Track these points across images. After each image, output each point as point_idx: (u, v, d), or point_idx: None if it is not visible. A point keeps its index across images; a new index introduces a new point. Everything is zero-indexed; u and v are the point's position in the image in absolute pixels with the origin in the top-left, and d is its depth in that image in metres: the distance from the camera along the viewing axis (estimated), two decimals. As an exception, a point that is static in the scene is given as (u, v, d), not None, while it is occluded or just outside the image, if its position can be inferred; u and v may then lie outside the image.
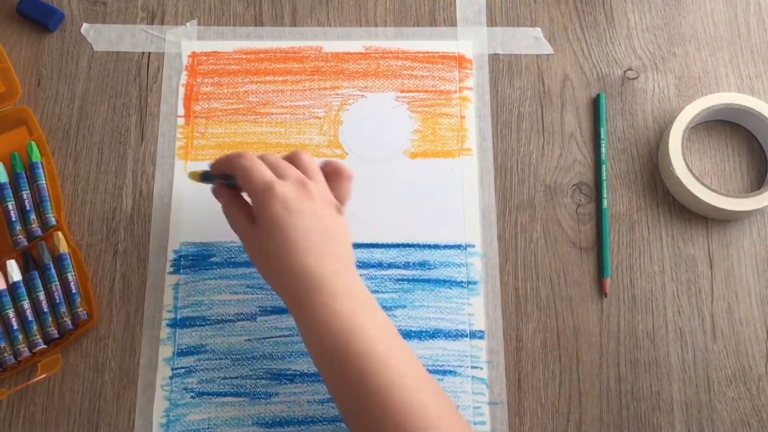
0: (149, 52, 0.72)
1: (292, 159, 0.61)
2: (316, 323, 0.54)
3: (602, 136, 0.70)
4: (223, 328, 0.64)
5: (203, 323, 0.64)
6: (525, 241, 0.67)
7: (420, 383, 0.54)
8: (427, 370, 0.63)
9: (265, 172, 0.58)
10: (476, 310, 0.65)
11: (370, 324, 0.55)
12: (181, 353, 0.64)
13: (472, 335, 0.64)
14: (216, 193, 0.62)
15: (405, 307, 0.65)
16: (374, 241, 0.67)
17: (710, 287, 0.66)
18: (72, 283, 0.64)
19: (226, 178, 0.60)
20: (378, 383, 0.52)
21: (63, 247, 0.65)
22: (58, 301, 0.64)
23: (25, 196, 0.66)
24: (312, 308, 0.55)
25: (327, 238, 0.57)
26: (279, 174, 0.58)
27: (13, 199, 0.66)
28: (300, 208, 0.56)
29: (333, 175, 0.61)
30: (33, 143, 0.67)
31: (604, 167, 0.69)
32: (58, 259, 0.65)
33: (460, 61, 0.73)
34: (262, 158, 0.60)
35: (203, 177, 0.63)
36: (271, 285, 0.58)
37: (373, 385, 0.52)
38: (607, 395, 0.64)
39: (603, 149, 0.69)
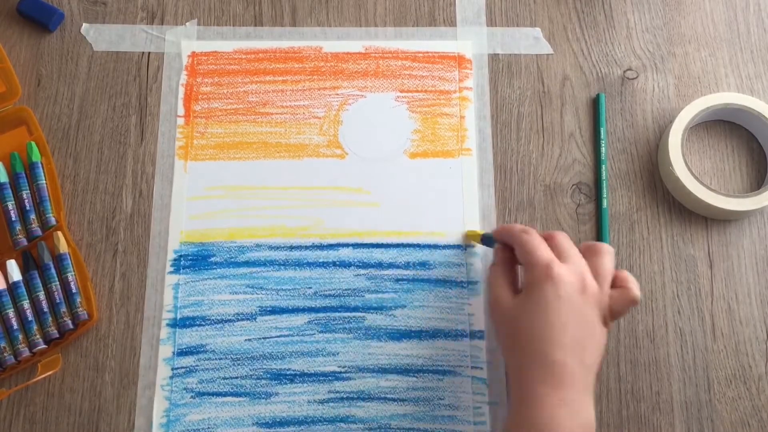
0: (149, 52, 0.72)
1: (588, 251, 0.58)
2: (535, 422, 0.52)
3: (602, 136, 0.70)
4: (223, 328, 0.64)
5: (203, 323, 0.64)
6: (525, 241, 0.67)
7: None
8: (427, 370, 0.63)
9: (547, 251, 0.56)
10: (476, 310, 0.65)
11: None
12: (181, 353, 0.64)
13: (472, 335, 0.64)
14: (495, 253, 0.61)
15: (405, 307, 0.65)
16: (374, 241, 0.67)
17: (710, 287, 0.66)
18: (72, 283, 0.64)
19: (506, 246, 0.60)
20: None
21: (63, 247, 0.65)
22: (58, 300, 0.64)
23: (24, 195, 0.66)
24: (538, 406, 0.52)
25: (582, 338, 0.54)
26: (562, 257, 0.57)
27: (12, 198, 0.66)
28: (570, 298, 0.54)
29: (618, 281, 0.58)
30: (33, 143, 0.67)
31: (603, 167, 0.69)
32: (58, 259, 0.65)
33: (459, 61, 0.73)
34: (549, 237, 0.58)
35: (484, 240, 0.64)
36: (506, 356, 0.58)
37: None
38: (607, 395, 0.64)
39: (603, 149, 0.69)
